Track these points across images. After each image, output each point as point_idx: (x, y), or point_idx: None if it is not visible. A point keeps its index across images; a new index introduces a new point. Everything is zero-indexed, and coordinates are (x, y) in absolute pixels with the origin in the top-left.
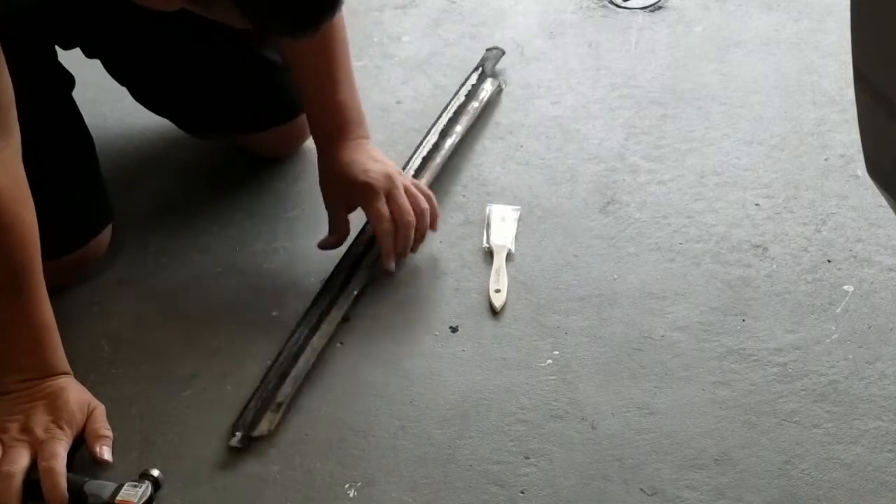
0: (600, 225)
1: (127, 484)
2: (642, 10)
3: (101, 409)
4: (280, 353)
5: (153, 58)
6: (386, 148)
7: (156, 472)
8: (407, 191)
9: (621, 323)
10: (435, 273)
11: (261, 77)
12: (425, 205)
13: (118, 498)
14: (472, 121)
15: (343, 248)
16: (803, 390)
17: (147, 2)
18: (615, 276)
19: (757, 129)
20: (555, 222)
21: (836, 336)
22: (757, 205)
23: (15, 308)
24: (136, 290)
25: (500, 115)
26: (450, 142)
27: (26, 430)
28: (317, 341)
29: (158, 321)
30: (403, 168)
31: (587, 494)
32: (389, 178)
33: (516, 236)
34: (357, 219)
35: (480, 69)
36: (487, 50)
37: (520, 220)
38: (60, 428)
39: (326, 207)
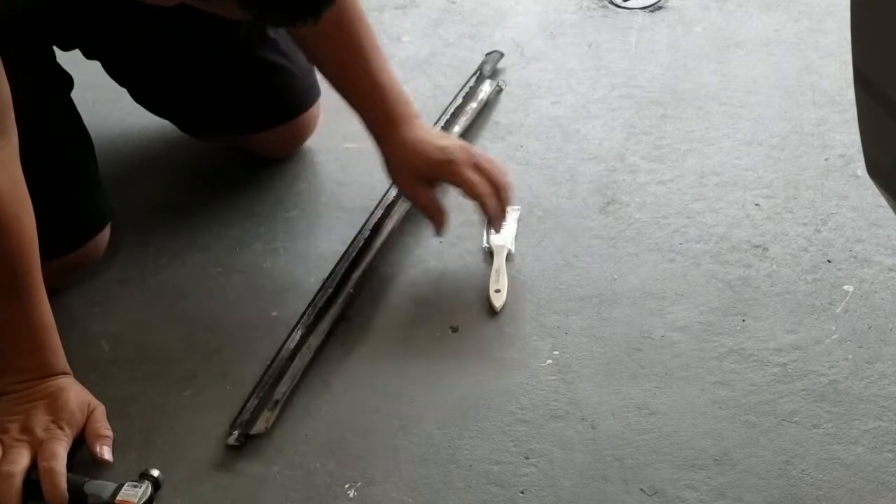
0: (600, 225)
1: (127, 484)
2: (642, 10)
3: (101, 409)
4: (278, 353)
5: (153, 59)
6: None
7: (156, 472)
8: (487, 162)
9: (621, 323)
10: (435, 273)
11: (260, 77)
12: (505, 176)
13: (118, 498)
14: (469, 121)
15: (342, 248)
16: (803, 390)
17: None
18: (615, 276)
19: (757, 129)
20: (555, 222)
21: (836, 336)
22: (757, 205)
23: (14, 309)
24: (136, 290)
25: (500, 115)
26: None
27: (26, 430)
28: (314, 339)
29: (158, 321)
30: None
31: (587, 494)
32: (466, 150)
33: (516, 236)
34: (357, 218)
35: (479, 72)
36: (487, 54)
37: (520, 220)
38: (60, 428)
39: (406, 196)
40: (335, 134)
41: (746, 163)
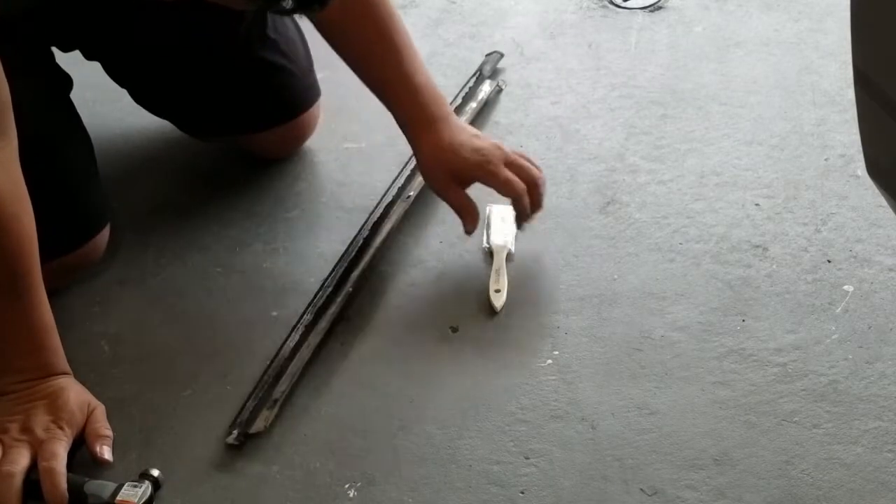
0: (600, 225)
1: (127, 484)
2: (642, 10)
3: (101, 409)
4: (277, 352)
5: (153, 59)
6: (386, 148)
7: (156, 472)
8: (521, 156)
9: (621, 323)
10: (435, 273)
11: (260, 77)
12: (538, 171)
13: (118, 498)
14: (469, 121)
15: (342, 248)
16: (803, 390)
17: None
18: (615, 276)
19: (757, 129)
20: (555, 222)
21: (836, 336)
22: (757, 205)
23: (14, 309)
24: (136, 290)
25: (500, 115)
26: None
27: (26, 430)
28: (313, 339)
29: (158, 321)
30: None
31: (587, 494)
32: (500, 149)
33: (516, 236)
34: (357, 218)
35: (479, 73)
36: (487, 55)
37: None
38: (60, 428)
39: (441, 196)
40: (335, 134)
41: (746, 163)
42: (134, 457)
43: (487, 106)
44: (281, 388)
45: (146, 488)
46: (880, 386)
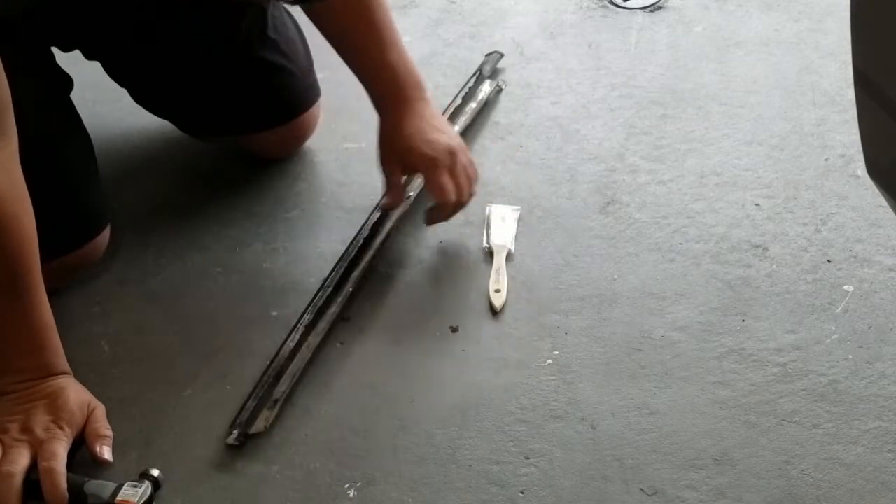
0: (600, 225)
1: (127, 484)
2: (642, 10)
3: (101, 409)
4: (277, 352)
5: (153, 60)
6: None
7: (156, 472)
8: (465, 170)
9: (621, 323)
10: (435, 273)
11: (260, 77)
12: (474, 189)
13: (118, 498)
14: (469, 121)
15: (342, 248)
16: (803, 390)
17: None
18: (615, 276)
19: (757, 129)
20: (555, 222)
21: (836, 336)
22: (757, 205)
23: (14, 309)
24: (136, 290)
25: (500, 115)
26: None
27: (26, 430)
28: (313, 339)
29: (158, 321)
30: None
31: (587, 494)
32: (452, 153)
33: (516, 236)
34: (357, 218)
35: (479, 73)
36: (487, 55)
37: (520, 220)
38: (60, 428)
39: (383, 170)
40: (335, 134)
41: (746, 163)
42: (134, 457)
43: (487, 106)
44: (281, 388)
45: (146, 488)
46: (880, 386)
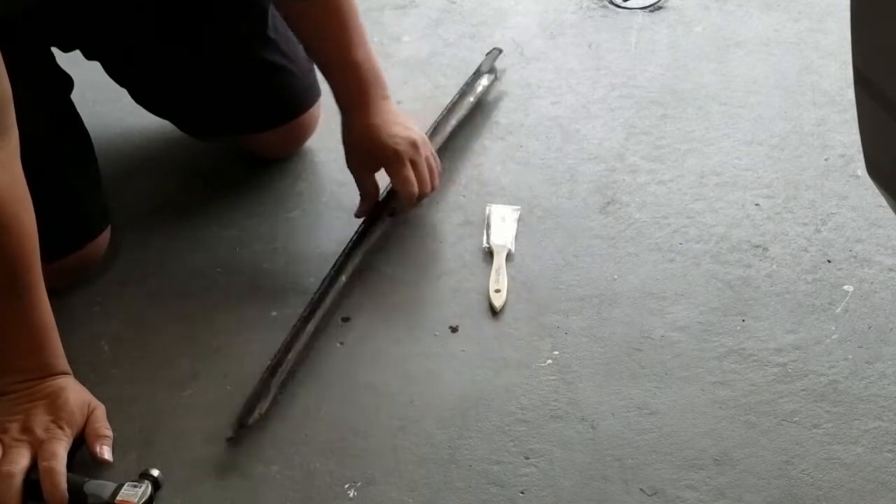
0: (600, 225)
1: (127, 484)
2: (642, 10)
3: (101, 409)
4: (276, 351)
5: (153, 59)
6: None
7: (156, 472)
8: (427, 162)
9: (621, 323)
10: (435, 273)
11: (260, 78)
12: (437, 182)
13: (118, 498)
14: (465, 114)
15: (341, 248)
16: (803, 390)
17: None
18: (615, 276)
19: (757, 129)
20: (555, 222)
21: (836, 336)
22: (757, 205)
23: (15, 308)
24: (136, 290)
25: (500, 115)
26: (445, 133)
27: (26, 430)
28: (309, 327)
29: (158, 321)
30: None
31: (587, 494)
32: (414, 145)
33: (516, 236)
34: (357, 218)
35: (478, 70)
36: (487, 54)
37: (520, 220)
38: (60, 428)
39: (351, 171)
40: (335, 134)
41: (746, 163)
42: (134, 457)
43: (487, 106)
44: (278, 379)
45: (146, 488)
46: (880, 386)
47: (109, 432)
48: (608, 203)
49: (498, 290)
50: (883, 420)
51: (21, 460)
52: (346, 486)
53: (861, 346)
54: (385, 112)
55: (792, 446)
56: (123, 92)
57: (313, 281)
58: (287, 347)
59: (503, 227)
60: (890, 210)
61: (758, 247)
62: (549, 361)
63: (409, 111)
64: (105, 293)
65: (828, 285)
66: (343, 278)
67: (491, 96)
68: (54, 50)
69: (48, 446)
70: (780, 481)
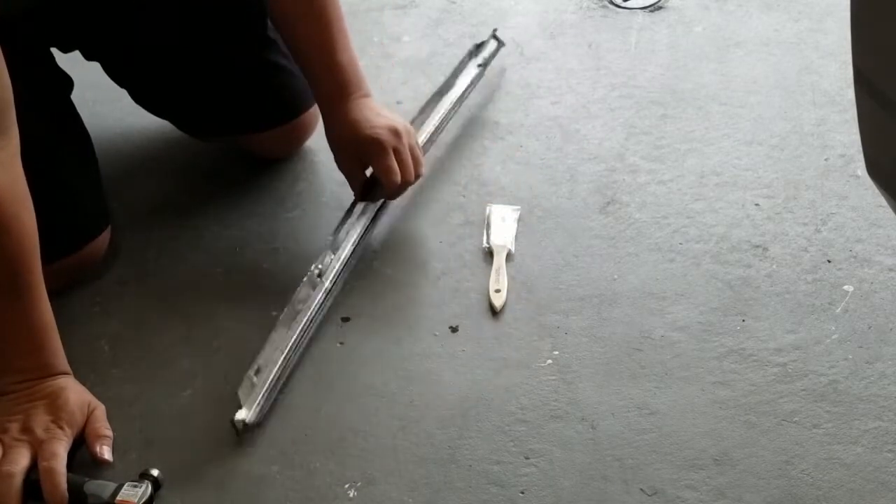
0: (600, 225)
1: (127, 484)
2: (642, 10)
3: (101, 409)
4: (277, 351)
5: (152, 61)
6: None
7: (156, 472)
8: (411, 150)
9: (621, 323)
10: (435, 273)
11: (260, 78)
12: (421, 170)
13: (118, 498)
14: (457, 100)
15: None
16: (803, 390)
17: None
18: (615, 276)
19: (757, 129)
20: (555, 222)
21: (836, 336)
22: (757, 205)
23: (15, 308)
24: (136, 290)
25: (500, 115)
26: (450, 98)
27: (26, 430)
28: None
29: (158, 321)
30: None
31: (587, 494)
32: (396, 133)
33: (516, 236)
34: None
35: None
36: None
37: (520, 220)
38: (60, 428)
39: (341, 170)
40: None
41: (746, 163)
42: (134, 457)
43: (487, 106)
44: (275, 378)
45: (146, 488)
46: (880, 386)
47: (109, 432)
48: (608, 203)
49: (498, 290)
50: (883, 420)
51: (21, 460)
52: (346, 486)
53: (861, 346)
54: (366, 107)
55: (792, 446)
56: (123, 92)
57: None
58: (286, 347)
59: (503, 227)
60: (890, 210)
61: (758, 247)
62: (549, 361)
63: (408, 111)
64: (105, 293)
65: (828, 285)
66: (332, 260)
67: (491, 96)
68: (54, 50)
69: (48, 446)
70: (780, 481)
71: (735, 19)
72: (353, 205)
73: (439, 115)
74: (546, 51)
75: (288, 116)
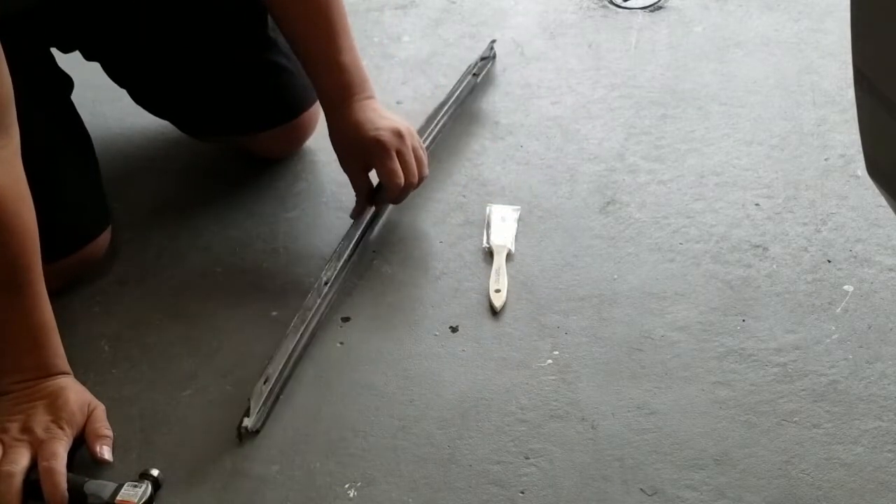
0: (600, 225)
1: (127, 484)
2: (642, 10)
3: (101, 409)
4: (275, 351)
5: (153, 60)
6: None
7: (156, 472)
8: (414, 152)
9: (621, 323)
10: (435, 273)
11: (261, 78)
12: (425, 172)
13: (118, 498)
14: (457, 105)
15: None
16: (803, 390)
17: None
18: (615, 276)
19: (757, 129)
20: (555, 222)
21: (836, 336)
22: (757, 205)
23: (15, 307)
24: (136, 290)
25: (500, 115)
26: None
27: (26, 430)
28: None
29: (158, 321)
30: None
31: (587, 494)
32: (399, 135)
33: (516, 236)
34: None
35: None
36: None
37: (520, 220)
38: (60, 428)
39: (345, 171)
40: None
41: (746, 163)
42: (134, 457)
43: (487, 106)
44: (277, 384)
45: (146, 488)
46: (880, 386)
47: (109, 432)
48: (608, 203)
49: (498, 290)
50: (883, 420)
51: (21, 460)
52: (346, 486)
53: (861, 346)
54: (369, 109)
55: (792, 446)
56: (123, 92)
57: (313, 281)
58: (286, 349)
59: (503, 227)
60: (890, 210)
61: (758, 247)
62: (549, 361)
63: (409, 111)
64: (105, 293)
65: (828, 285)
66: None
67: (491, 96)
68: (54, 50)
69: (48, 446)
70: (780, 481)
71: (735, 19)
72: (362, 212)
73: (439, 116)
74: (546, 51)
75: (288, 116)
